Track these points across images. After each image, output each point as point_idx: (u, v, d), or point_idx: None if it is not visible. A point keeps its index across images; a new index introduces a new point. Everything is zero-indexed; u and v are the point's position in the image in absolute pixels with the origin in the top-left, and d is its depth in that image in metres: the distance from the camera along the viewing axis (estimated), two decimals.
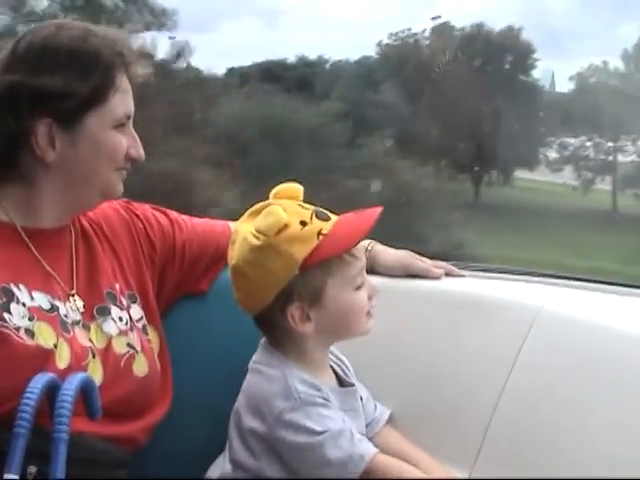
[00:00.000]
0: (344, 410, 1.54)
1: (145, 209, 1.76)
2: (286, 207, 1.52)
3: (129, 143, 1.55)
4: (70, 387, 1.32)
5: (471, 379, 1.67)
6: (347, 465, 1.46)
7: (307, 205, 1.55)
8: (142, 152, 1.58)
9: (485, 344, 1.68)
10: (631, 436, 1.45)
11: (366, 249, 1.80)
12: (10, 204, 1.52)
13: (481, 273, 1.92)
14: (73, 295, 1.55)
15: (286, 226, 1.49)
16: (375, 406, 1.68)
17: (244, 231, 1.53)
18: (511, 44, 18.25)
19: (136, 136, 1.57)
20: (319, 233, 1.49)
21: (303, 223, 1.50)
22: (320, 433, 1.46)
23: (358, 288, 1.54)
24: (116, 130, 1.53)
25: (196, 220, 1.80)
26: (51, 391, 1.32)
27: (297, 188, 1.58)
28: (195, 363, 1.73)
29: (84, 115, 1.50)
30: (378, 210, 1.55)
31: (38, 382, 1.31)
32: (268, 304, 1.51)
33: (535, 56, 18.33)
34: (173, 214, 1.78)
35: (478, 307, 1.73)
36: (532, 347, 1.62)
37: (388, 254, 1.82)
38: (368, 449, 1.49)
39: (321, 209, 1.55)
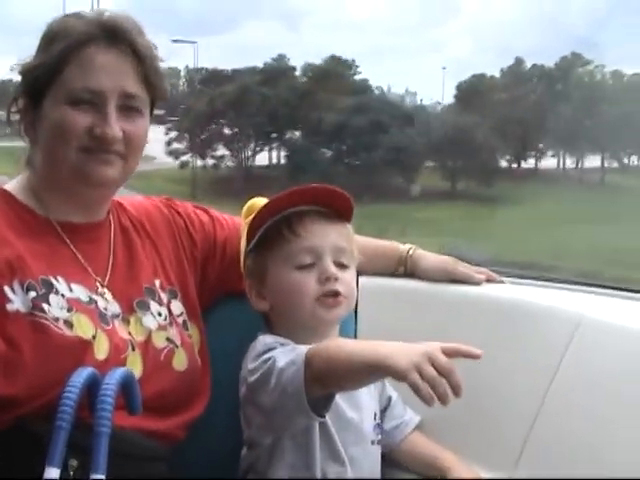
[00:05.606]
0: None
1: (186, 206, 1.76)
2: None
3: (94, 122, 1.47)
4: (111, 382, 1.32)
5: (512, 386, 1.66)
6: (295, 363, 1.40)
7: None
8: (110, 131, 1.47)
9: (526, 351, 1.66)
10: None
11: (407, 253, 1.80)
12: (47, 196, 1.53)
13: (521, 280, 1.91)
14: (105, 289, 1.54)
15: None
16: (405, 409, 1.69)
17: None
18: None
19: (111, 115, 1.47)
20: None
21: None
22: (271, 357, 1.45)
23: (301, 268, 1.54)
24: (72, 107, 1.47)
25: (237, 218, 1.80)
26: (92, 385, 1.32)
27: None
28: (234, 361, 1.72)
29: (44, 91, 1.48)
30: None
31: (79, 376, 1.32)
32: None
33: None
34: (214, 212, 1.79)
35: (519, 313, 1.71)
36: (574, 354, 1.60)
37: (429, 259, 1.81)
38: (305, 347, 1.43)
39: None
